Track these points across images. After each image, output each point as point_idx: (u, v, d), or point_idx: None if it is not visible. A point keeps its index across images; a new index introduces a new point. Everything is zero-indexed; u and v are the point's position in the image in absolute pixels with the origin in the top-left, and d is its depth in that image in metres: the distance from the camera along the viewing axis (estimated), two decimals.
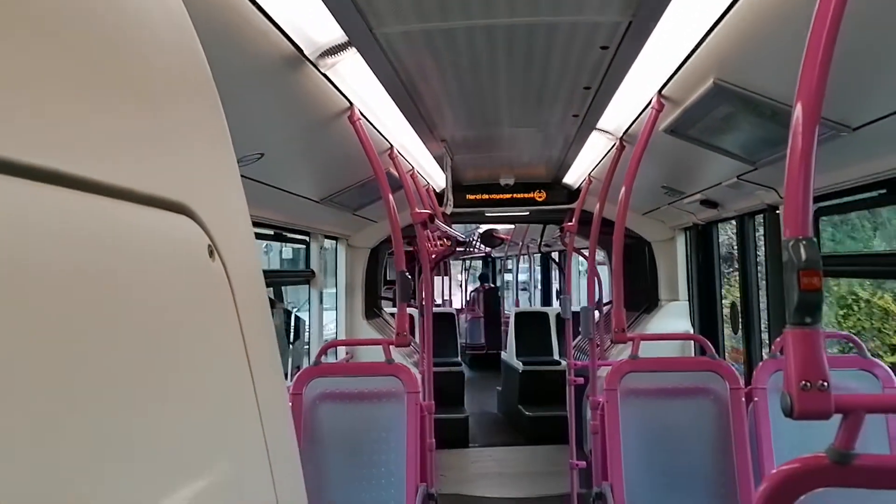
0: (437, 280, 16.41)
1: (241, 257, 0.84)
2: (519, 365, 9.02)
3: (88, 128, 0.55)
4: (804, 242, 1.34)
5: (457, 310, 13.41)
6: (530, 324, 9.78)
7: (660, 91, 3.14)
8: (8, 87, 0.46)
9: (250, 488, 0.80)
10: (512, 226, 12.21)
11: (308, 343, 5.95)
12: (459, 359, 9.74)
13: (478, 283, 16.83)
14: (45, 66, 0.51)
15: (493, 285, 15.49)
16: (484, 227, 13.10)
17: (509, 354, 9.61)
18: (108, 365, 0.53)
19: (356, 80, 3.13)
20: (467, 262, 18.43)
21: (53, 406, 0.46)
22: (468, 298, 16.97)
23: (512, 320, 9.92)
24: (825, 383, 1.31)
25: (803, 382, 1.31)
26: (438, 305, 15.09)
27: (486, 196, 6.84)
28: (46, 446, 0.45)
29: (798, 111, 1.36)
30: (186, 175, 0.73)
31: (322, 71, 2.79)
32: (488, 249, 16.19)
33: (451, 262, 17.49)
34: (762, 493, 1.38)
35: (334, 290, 6.69)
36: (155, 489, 0.56)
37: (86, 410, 0.49)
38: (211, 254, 0.75)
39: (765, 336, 4.81)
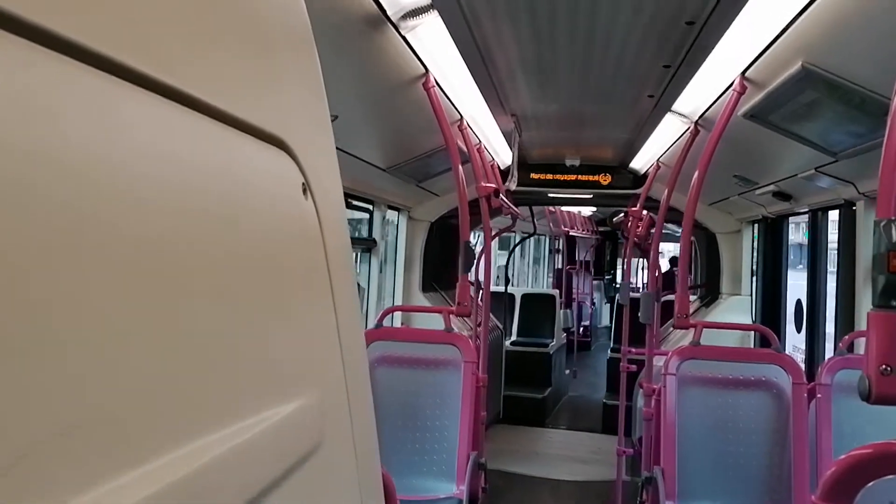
0: None
1: (331, 199, 0.86)
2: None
3: (197, 54, 0.57)
4: None
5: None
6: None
7: (743, 73, 3.05)
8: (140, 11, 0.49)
9: (331, 414, 0.82)
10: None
11: (366, 313, 6.02)
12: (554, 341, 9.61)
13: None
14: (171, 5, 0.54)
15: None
16: None
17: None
18: (204, 290, 0.54)
19: (434, 46, 3.13)
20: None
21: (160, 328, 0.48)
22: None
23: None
24: None
25: (884, 367, 1.27)
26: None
27: (550, 176, 6.74)
28: (163, 364, 0.48)
29: None
30: (284, 112, 0.75)
31: (402, 33, 2.80)
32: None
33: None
34: (833, 475, 1.36)
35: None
36: (242, 408, 0.59)
37: (180, 333, 0.50)
38: (304, 192, 0.77)
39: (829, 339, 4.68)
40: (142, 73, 0.47)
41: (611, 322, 15.73)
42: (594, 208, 10.84)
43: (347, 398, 0.88)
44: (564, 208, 11.70)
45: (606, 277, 17.98)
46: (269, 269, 0.67)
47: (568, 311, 10.91)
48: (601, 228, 16.29)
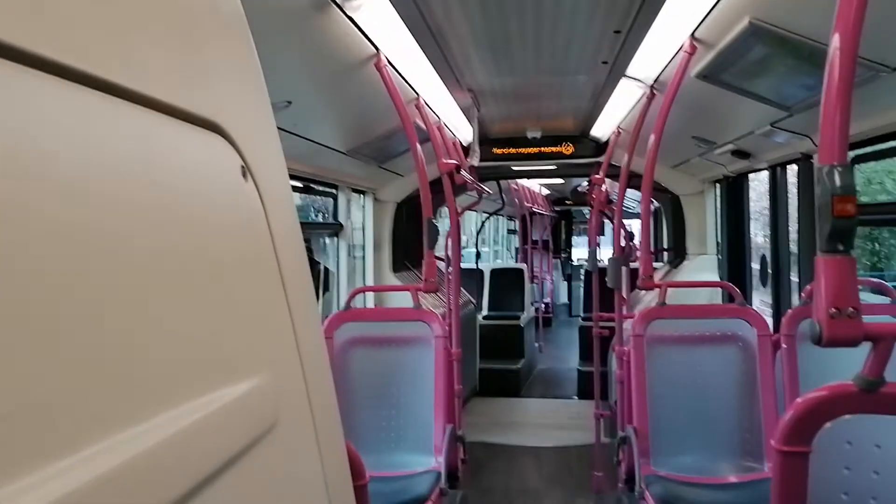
0: None
1: (274, 181, 0.86)
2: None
3: (122, 43, 0.57)
4: (839, 169, 1.32)
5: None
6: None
7: (692, 34, 3.07)
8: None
9: (286, 394, 0.83)
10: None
11: (338, 297, 6.01)
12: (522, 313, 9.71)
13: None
14: None
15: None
16: None
17: None
18: (142, 274, 0.54)
19: (382, 25, 3.10)
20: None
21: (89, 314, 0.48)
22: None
23: None
24: (855, 311, 1.30)
25: (833, 310, 1.30)
26: None
27: (512, 150, 6.77)
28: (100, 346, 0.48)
29: (835, 40, 1.34)
30: (218, 96, 0.75)
31: (348, 14, 2.77)
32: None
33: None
34: (790, 419, 1.39)
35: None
36: (186, 390, 0.59)
37: (116, 321, 0.50)
38: (244, 175, 0.77)
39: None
40: (62, 64, 0.47)
41: (569, 299, 16.05)
42: (553, 181, 10.94)
43: (304, 378, 0.88)
44: (525, 183, 11.76)
45: (563, 256, 18.23)
46: (210, 252, 0.67)
47: (533, 285, 11.02)
48: (557, 208, 16.53)
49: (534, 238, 13.91)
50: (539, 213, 14.26)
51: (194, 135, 0.67)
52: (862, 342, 1.32)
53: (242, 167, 0.77)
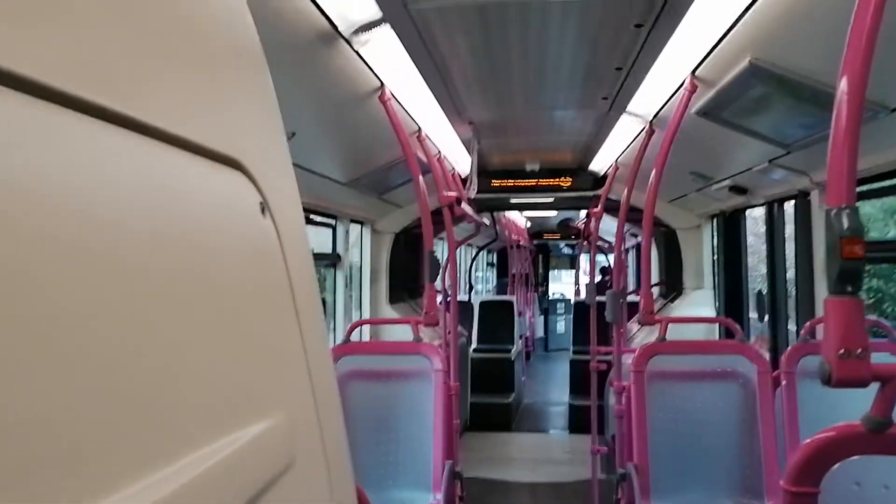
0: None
1: (291, 217, 0.87)
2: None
3: (144, 79, 0.57)
4: (847, 211, 1.33)
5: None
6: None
7: (693, 72, 3.11)
8: (85, 33, 0.49)
9: (301, 433, 0.82)
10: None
11: (334, 329, 5.99)
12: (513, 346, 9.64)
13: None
14: (118, 26, 0.54)
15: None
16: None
17: None
18: (161, 313, 0.54)
19: (388, 59, 3.13)
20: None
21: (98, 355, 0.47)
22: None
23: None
24: (864, 352, 1.30)
25: (842, 350, 1.30)
26: None
27: (511, 182, 6.79)
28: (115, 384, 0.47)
29: (843, 82, 1.36)
30: (238, 133, 0.75)
31: (355, 48, 2.81)
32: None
33: None
34: (798, 460, 1.38)
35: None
36: (207, 432, 0.58)
37: (129, 361, 0.49)
38: (263, 211, 0.77)
39: (791, 327, 4.77)
40: (87, 101, 0.47)
41: (545, 333, 16.05)
42: (537, 213, 11.01)
43: (317, 416, 0.88)
44: (511, 216, 11.79)
45: (540, 290, 18.30)
46: (230, 290, 0.67)
47: (520, 318, 11.03)
48: (535, 241, 16.63)
49: (513, 271, 13.99)
50: (522, 246, 14.31)
51: (216, 172, 0.67)
52: (871, 383, 1.33)
53: (261, 203, 0.77)
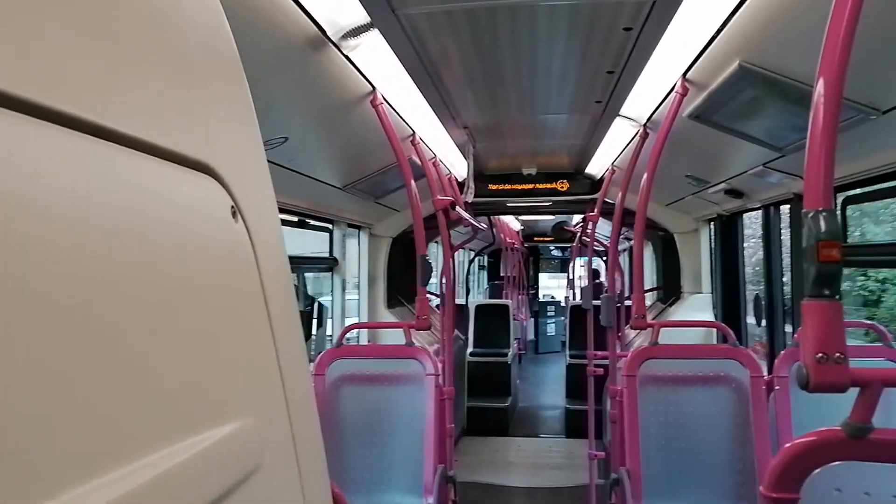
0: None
1: (264, 220, 0.87)
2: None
3: (111, 87, 0.57)
4: (824, 214, 1.32)
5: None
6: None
7: (684, 74, 3.11)
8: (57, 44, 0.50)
9: (271, 436, 0.82)
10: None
11: (332, 334, 5.99)
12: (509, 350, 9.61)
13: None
14: (90, 35, 0.55)
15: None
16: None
17: None
18: (129, 315, 0.54)
19: (378, 63, 3.13)
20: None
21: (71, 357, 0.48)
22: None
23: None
24: (842, 356, 1.29)
25: (820, 355, 1.29)
26: None
27: (507, 186, 6.80)
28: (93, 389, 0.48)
29: (820, 85, 1.36)
30: (208, 138, 0.75)
31: (344, 53, 2.80)
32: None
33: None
34: (777, 465, 1.37)
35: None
36: (170, 433, 0.58)
37: (100, 363, 0.50)
38: (234, 215, 0.77)
39: (788, 329, 4.76)
40: (49, 107, 0.47)
41: (535, 336, 16.07)
42: (531, 217, 11.02)
43: (290, 420, 0.88)
44: (505, 219, 11.81)
45: (531, 293, 18.34)
46: (198, 293, 0.67)
47: (515, 321, 11.07)
48: (526, 244, 16.65)
49: (504, 274, 13.99)
50: (515, 249, 14.35)
51: (185, 176, 0.67)
52: (850, 388, 1.32)
53: (232, 207, 0.77)
